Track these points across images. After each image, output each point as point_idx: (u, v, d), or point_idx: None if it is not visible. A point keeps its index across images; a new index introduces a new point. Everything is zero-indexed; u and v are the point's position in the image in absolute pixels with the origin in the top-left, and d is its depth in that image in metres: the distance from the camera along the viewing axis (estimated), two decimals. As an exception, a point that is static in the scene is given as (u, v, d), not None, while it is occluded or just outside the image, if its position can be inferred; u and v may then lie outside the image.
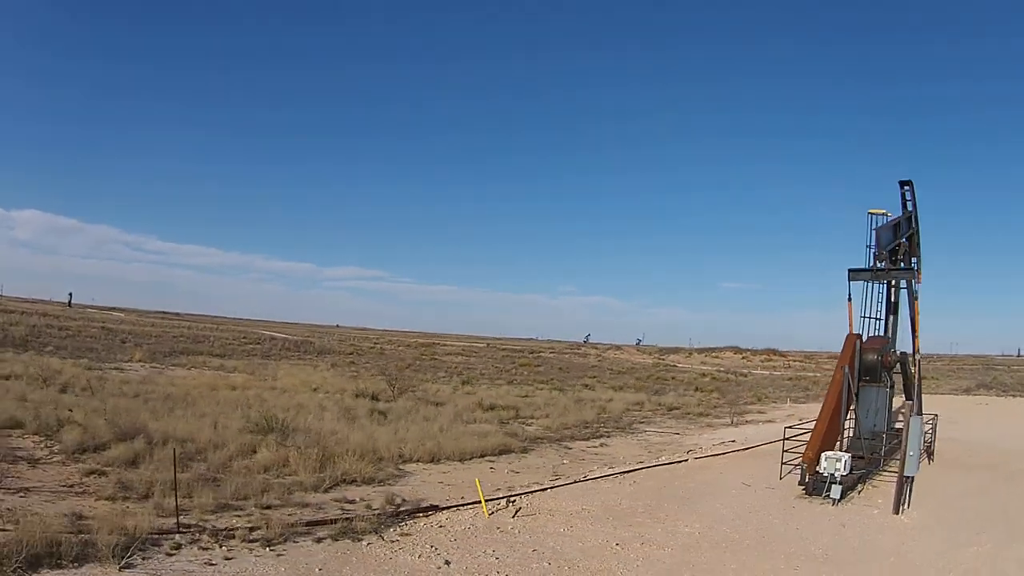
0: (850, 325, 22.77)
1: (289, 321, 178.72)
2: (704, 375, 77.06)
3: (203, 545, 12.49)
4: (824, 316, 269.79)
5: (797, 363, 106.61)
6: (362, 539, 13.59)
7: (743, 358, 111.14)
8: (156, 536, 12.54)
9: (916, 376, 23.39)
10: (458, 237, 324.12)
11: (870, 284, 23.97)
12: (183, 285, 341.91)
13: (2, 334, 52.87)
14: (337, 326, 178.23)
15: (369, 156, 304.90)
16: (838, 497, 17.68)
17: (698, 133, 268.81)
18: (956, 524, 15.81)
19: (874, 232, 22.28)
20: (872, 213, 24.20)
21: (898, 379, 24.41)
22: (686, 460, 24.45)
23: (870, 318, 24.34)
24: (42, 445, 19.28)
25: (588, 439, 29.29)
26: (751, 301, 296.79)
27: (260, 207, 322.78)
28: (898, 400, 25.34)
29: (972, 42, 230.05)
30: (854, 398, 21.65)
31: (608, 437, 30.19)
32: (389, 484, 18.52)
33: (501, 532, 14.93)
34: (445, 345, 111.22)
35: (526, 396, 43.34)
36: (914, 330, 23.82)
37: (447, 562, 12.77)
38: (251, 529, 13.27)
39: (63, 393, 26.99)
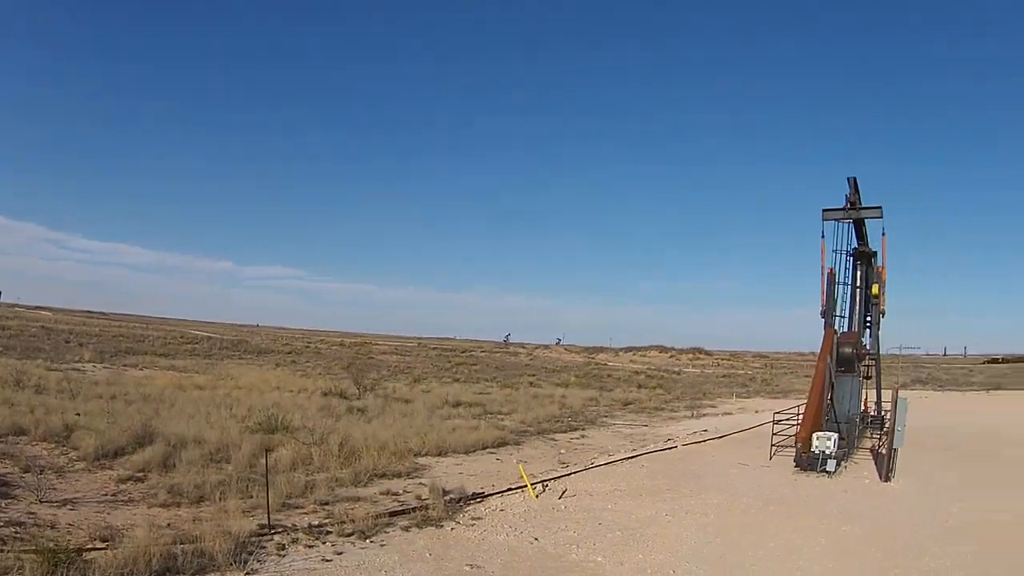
0: (822, 260, 28.44)
1: (210, 320, 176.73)
2: (638, 373, 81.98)
3: (306, 543, 13.47)
4: (745, 316, 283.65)
5: (725, 361, 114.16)
6: (443, 525, 15.48)
7: (671, 356, 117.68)
8: (255, 539, 13.33)
9: (878, 366, 28.19)
10: (375, 236, 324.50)
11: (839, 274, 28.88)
12: (109, 284, 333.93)
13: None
14: (257, 325, 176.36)
15: (287, 153, 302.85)
16: (833, 470, 21.59)
17: (626, 131, 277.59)
18: (939, 489, 19.87)
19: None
20: (827, 211, 28.69)
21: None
22: (675, 447, 27.98)
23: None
24: (57, 452, 19.86)
25: (567, 432, 32.64)
26: (671, 300, 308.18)
27: (182, 205, 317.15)
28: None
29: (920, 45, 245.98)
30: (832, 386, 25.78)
31: (584, 430, 33.57)
32: (417, 476, 20.56)
33: (559, 512, 17.58)
34: (377, 344, 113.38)
35: (483, 393, 46.61)
36: (875, 319, 28.75)
37: (536, 539, 15.17)
38: (339, 523, 14.55)
39: (40, 394, 27.86)
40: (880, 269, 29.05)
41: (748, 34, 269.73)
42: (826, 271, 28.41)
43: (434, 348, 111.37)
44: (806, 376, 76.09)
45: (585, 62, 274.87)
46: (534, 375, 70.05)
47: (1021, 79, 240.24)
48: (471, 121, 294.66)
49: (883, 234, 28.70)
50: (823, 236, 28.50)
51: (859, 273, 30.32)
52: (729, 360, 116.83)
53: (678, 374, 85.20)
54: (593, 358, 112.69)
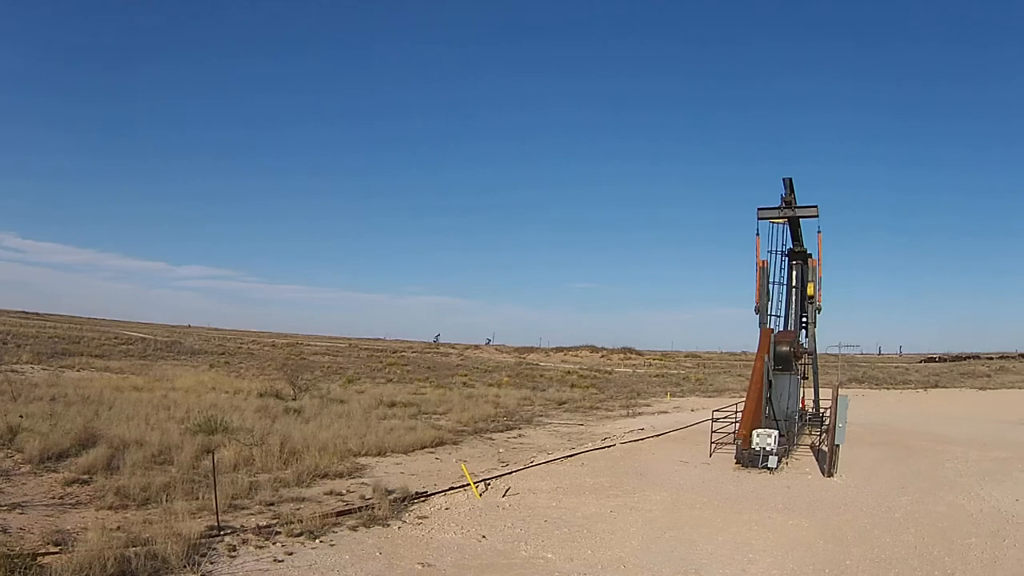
0: (757, 258, 28.74)
1: (143, 321, 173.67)
2: (570, 372, 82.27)
3: (256, 544, 13.59)
4: (676, 317, 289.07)
5: (656, 361, 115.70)
6: (389, 524, 15.56)
7: (602, 356, 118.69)
8: (206, 541, 13.41)
9: (815, 364, 28.70)
10: (304, 237, 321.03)
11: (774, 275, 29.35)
12: (40, 284, 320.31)
13: None
14: (189, 326, 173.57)
15: (218, 150, 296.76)
16: (774, 467, 21.85)
17: (548, 129, 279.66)
18: (882, 483, 20.26)
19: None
20: (761, 210, 29.12)
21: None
22: (614, 446, 27.99)
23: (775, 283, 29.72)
24: (2, 455, 19.70)
25: (504, 431, 32.49)
26: (601, 301, 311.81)
27: (115, 205, 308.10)
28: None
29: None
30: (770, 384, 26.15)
31: (521, 429, 33.47)
32: (359, 476, 20.59)
33: (504, 510, 17.54)
34: (309, 345, 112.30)
35: (417, 393, 46.32)
36: (812, 318, 29.31)
37: (483, 536, 15.15)
38: (287, 524, 14.65)
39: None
40: (814, 262, 29.50)
41: (687, 33, 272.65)
42: (759, 266, 28.70)
43: (365, 349, 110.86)
44: (739, 376, 78.02)
45: (516, 55, 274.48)
46: (466, 375, 69.81)
47: (968, 82, 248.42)
48: (401, 117, 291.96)
49: (819, 231, 29.25)
50: (757, 234, 28.87)
51: (795, 273, 30.80)
52: (661, 360, 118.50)
53: (610, 374, 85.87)
54: (524, 358, 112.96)
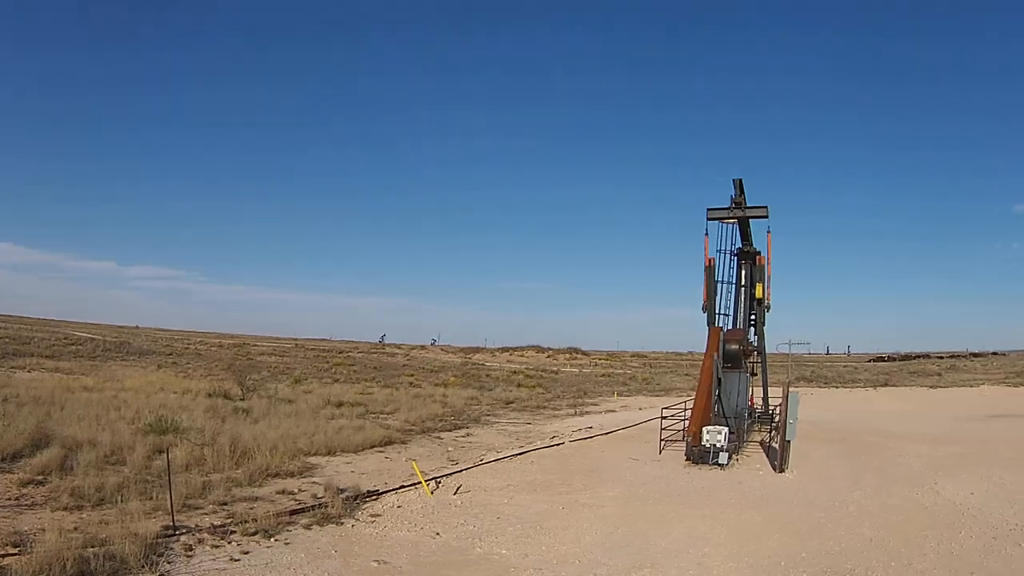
0: (706, 258, 28.76)
1: (91, 322, 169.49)
2: (516, 372, 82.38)
3: (212, 543, 13.56)
4: (621, 317, 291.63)
5: (603, 361, 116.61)
6: (343, 522, 15.56)
7: (548, 356, 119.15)
8: (162, 540, 13.39)
9: (764, 362, 29.12)
10: (251, 237, 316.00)
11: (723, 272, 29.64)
12: None
13: None
14: (137, 327, 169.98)
15: (161, 150, 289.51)
16: (725, 463, 22.03)
17: (496, 130, 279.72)
18: (834, 479, 20.50)
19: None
20: (711, 211, 29.40)
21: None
22: (563, 444, 27.96)
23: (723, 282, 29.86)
24: None
25: (452, 430, 32.36)
26: (548, 301, 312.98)
27: (64, 205, 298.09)
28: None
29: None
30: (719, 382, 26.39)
31: (469, 428, 33.41)
32: (310, 475, 20.54)
33: (456, 507, 17.50)
34: (256, 346, 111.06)
35: (365, 393, 46.23)
36: (761, 318, 29.68)
37: (437, 534, 15.12)
38: (242, 523, 14.62)
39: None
40: (762, 260, 29.83)
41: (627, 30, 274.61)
42: (707, 265, 28.82)
43: (312, 349, 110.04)
44: (686, 375, 78.99)
45: (457, 53, 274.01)
46: (413, 375, 69.75)
47: (919, 81, 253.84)
48: (351, 119, 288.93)
49: (768, 231, 29.62)
50: (707, 234, 29.01)
51: (744, 272, 31.13)
52: (607, 360, 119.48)
53: (556, 373, 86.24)
54: (470, 358, 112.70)
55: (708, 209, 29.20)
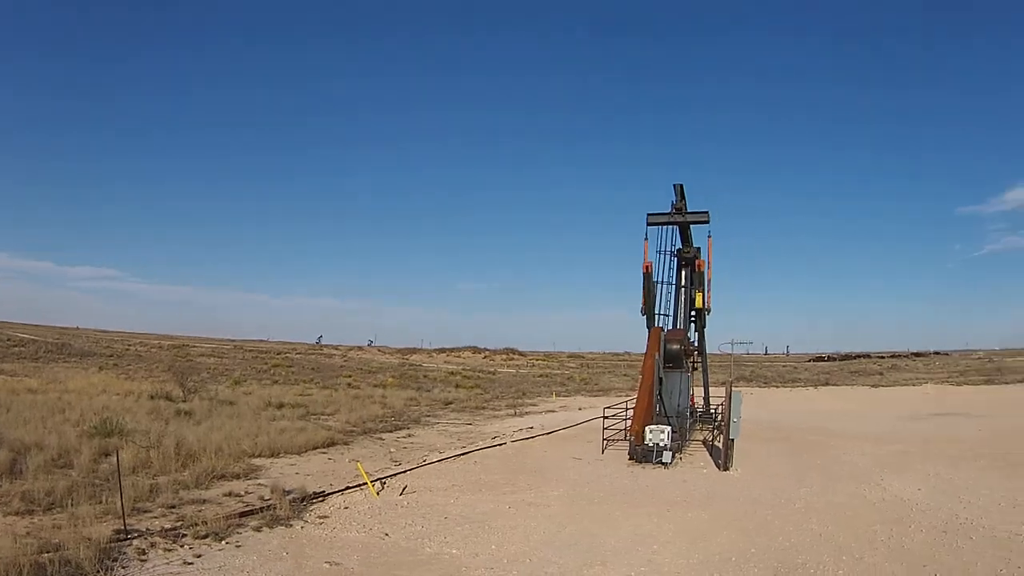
0: (646, 261, 28.57)
1: (32, 323, 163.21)
2: (453, 373, 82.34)
3: (164, 547, 13.52)
4: (558, 317, 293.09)
5: (539, 362, 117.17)
6: (292, 524, 15.50)
7: (485, 357, 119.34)
8: (115, 545, 13.32)
9: (704, 362, 29.68)
10: (188, 238, 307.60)
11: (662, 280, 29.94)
12: None
13: None
14: (77, 328, 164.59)
15: (107, 150, 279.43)
16: (669, 462, 22.38)
17: (430, 131, 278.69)
18: (779, 476, 20.97)
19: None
20: (652, 215, 29.82)
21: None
22: (505, 444, 28.03)
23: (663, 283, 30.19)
24: None
25: (393, 431, 32.20)
26: (484, 302, 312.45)
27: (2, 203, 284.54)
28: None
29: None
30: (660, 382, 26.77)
31: (410, 429, 33.23)
32: (255, 477, 20.44)
33: (403, 508, 17.49)
34: (195, 347, 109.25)
35: (304, 394, 46.20)
36: (702, 319, 30.22)
37: (386, 534, 15.11)
38: (192, 526, 14.58)
39: None
40: (702, 264, 30.25)
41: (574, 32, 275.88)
42: (645, 268, 28.68)
43: (250, 350, 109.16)
44: (624, 375, 79.90)
45: (403, 55, 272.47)
46: (351, 376, 69.44)
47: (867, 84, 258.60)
48: (293, 117, 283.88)
49: (709, 236, 30.11)
50: (646, 239, 29.12)
51: (683, 273, 31.60)
52: (544, 360, 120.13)
53: (494, 374, 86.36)
54: (407, 359, 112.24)
55: (648, 214, 29.53)
